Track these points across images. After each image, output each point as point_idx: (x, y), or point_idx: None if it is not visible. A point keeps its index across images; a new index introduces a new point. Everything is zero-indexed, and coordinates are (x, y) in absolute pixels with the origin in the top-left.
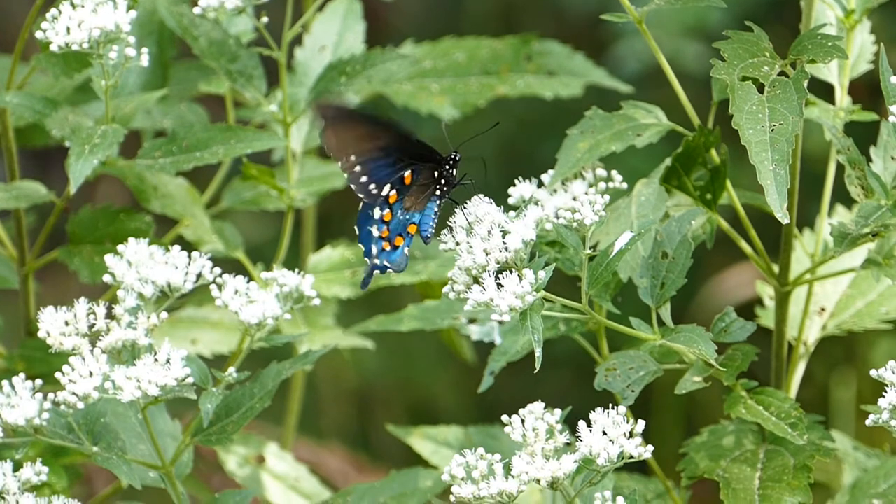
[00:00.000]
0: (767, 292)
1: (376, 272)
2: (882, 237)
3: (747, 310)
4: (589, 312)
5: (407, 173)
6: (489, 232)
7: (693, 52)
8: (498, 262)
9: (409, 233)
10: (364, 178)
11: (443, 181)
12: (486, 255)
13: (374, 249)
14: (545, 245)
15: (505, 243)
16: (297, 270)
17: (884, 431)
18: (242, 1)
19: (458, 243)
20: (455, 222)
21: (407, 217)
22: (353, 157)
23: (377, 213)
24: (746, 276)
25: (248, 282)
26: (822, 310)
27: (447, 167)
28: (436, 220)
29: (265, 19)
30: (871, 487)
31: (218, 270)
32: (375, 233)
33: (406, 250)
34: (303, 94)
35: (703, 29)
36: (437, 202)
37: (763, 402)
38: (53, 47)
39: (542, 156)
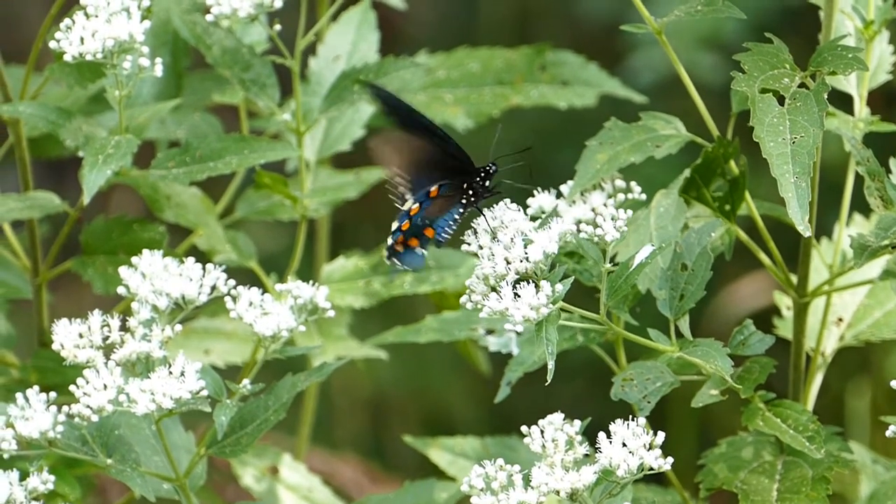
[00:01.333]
0: (785, 303)
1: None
2: None
3: (761, 319)
4: (607, 324)
5: (434, 188)
6: (512, 240)
7: (708, 62)
8: (518, 273)
9: (426, 235)
10: (404, 191)
11: (470, 192)
12: (507, 264)
13: (390, 241)
14: (563, 256)
15: (526, 253)
16: (310, 280)
17: None
18: (255, 8)
19: (480, 247)
20: (479, 225)
21: (427, 222)
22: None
23: (397, 222)
24: (760, 285)
25: (262, 293)
26: (840, 320)
27: (479, 179)
28: (454, 227)
29: (278, 27)
30: (888, 498)
31: (232, 282)
32: (391, 240)
33: (421, 251)
34: (316, 104)
35: (718, 40)
36: (461, 210)
37: (781, 414)
38: (67, 57)
39: (557, 165)
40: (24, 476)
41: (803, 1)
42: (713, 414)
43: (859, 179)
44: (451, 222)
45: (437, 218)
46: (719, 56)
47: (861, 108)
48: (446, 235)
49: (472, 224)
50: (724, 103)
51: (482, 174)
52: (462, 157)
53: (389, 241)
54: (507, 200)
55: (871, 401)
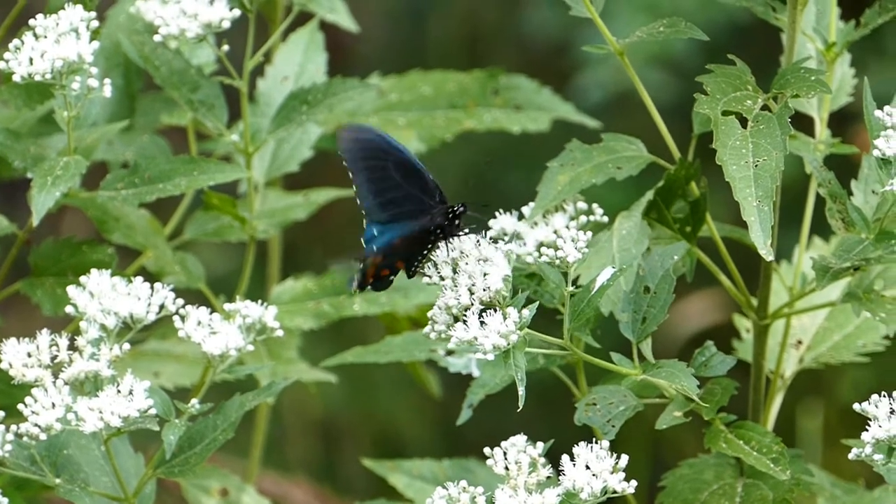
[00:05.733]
0: (744, 325)
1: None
2: (863, 271)
3: (709, 338)
4: (570, 348)
5: (397, 240)
6: (473, 270)
7: (656, 80)
8: (482, 302)
9: (396, 268)
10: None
11: (439, 232)
12: (471, 294)
13: (358, 276)
14: (525, 277)
15: (486, 282)
16: (260, 302)
17: (847, 461)
18: (203, 29)
19: (442, 278)
20: (439, 257)
21: (397, 258)
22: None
23: (360, 270)
24: (706, 304)
25: (210, 313)
26: (800, 343)
27: (447, 220)
28: (423, 262)
29: (226, 48)
30: None
31: (181, 301)
32: (358, 277)
33: (392, 278)
34: (264, 125)
35: (667, 58)
36: (430, 248)
37: (743, 436)
38: (16, 78)
39: (508, 185)
40: None
41: (752, 19)
42: (664, 436)
43: (819, 201)
44: (420, 258)
45: (405, 254)
46: (667, 74)
47: (822, 130)
48: (415, 269)
49: (431, 256)
50: (673, 121)
51: (451, 215)
52: (435, 194)
53: (357, 278)
54: (476, 237)
55: (824, 421)
